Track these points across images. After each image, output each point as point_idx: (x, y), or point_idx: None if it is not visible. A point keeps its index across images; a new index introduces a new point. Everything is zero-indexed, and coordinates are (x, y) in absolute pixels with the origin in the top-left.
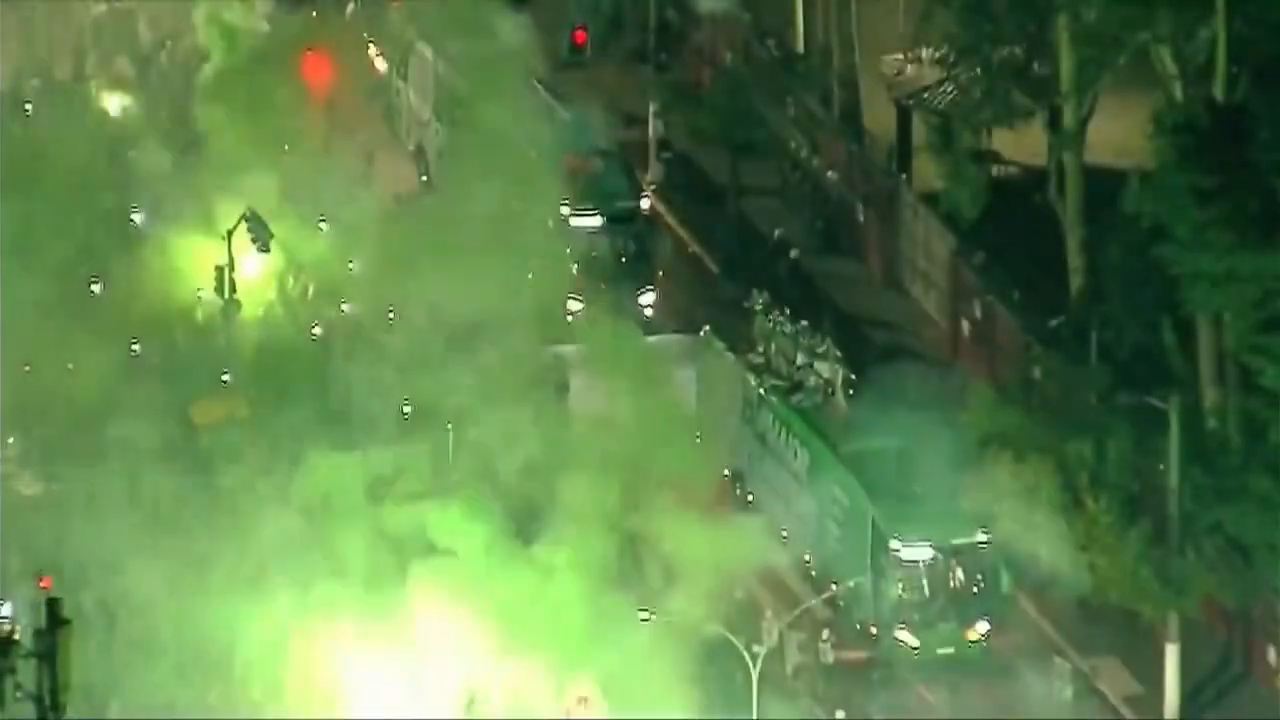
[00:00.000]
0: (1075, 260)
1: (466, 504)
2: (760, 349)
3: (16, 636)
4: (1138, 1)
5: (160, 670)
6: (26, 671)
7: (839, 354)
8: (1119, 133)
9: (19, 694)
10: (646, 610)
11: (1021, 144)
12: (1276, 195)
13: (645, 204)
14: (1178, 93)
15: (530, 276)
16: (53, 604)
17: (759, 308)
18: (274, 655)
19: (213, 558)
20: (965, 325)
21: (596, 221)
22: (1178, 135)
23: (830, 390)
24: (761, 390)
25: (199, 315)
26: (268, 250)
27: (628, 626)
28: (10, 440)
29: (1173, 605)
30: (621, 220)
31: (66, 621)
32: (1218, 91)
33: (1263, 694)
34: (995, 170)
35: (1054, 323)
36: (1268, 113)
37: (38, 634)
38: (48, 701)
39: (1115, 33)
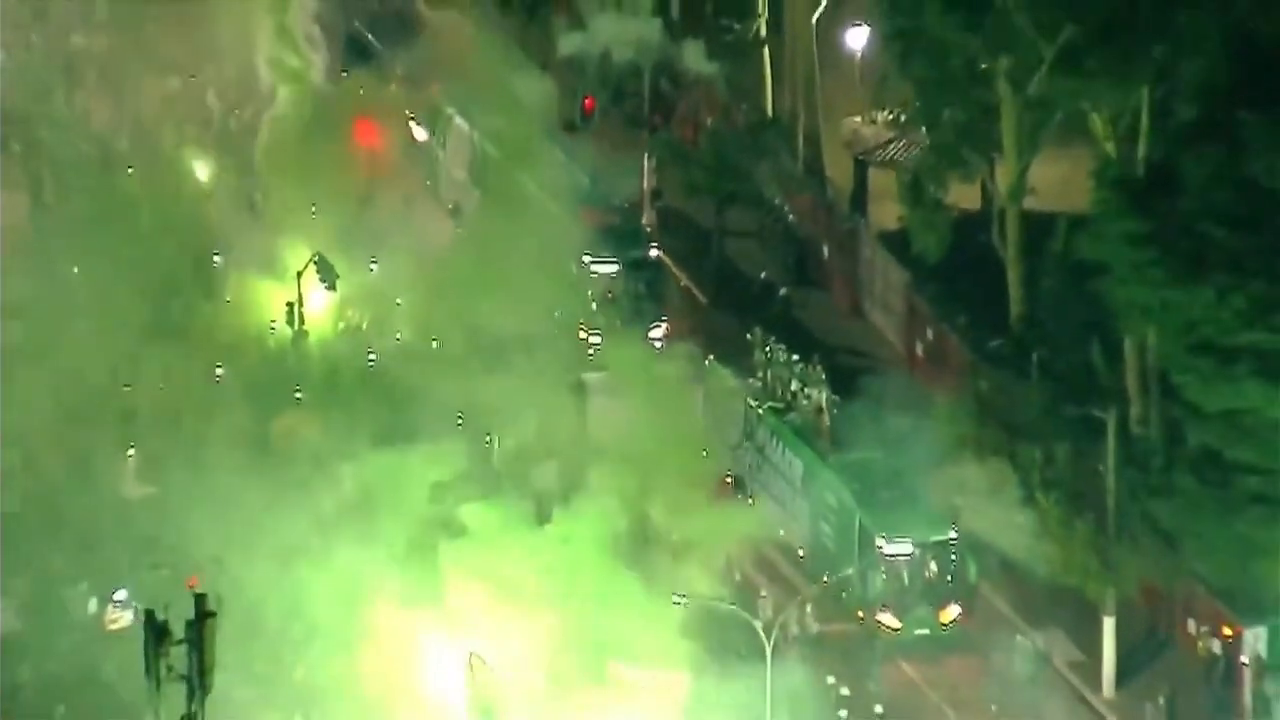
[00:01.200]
0: (1015, 291)
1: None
2: (759, 374)
3: (169, 627)
4: (1076, 76)
5: (260, 646)
6: (178, 656)
7: (824, 378)
8: (1049, 180)
9: (172, 674)
10: (680, 596)
11: (961, 190)
12: (1200, 239)
13: (654, 253)
14: (1110, 151)
15: (556, 314)
16: (200, 599)
17: (757, 340)
18: (351, 630)
19: (294, 549)
20: (919, 346)
21: (614, 268)
22: (1115, 188)
23: (819, 410)
24: (760, 410)
25: (271, 343)
26: (334, 289)
27: (637, 594)
28: (131, 449)
29: (1111, 585)
30: (635, 267)
31: (212, 614)
32: (1141, 152)
33: (1183, 657)
34: None
35: (995, 344)
36: (1192, 168)
37: (188, 624)
38: (196, 681)
39: (1054, 101)
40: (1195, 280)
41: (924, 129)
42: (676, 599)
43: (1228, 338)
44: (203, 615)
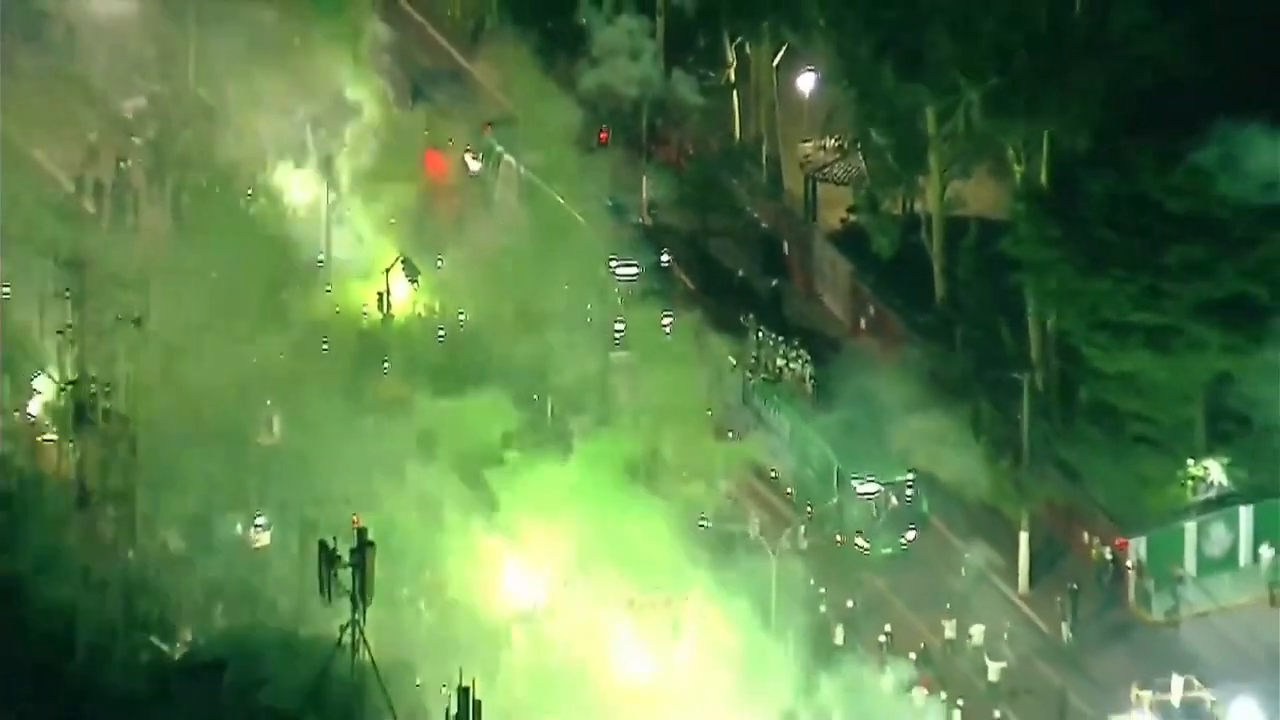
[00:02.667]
0: (938, 278)
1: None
2: (754, 354)
3: (338, 553)
4: (999, 116)
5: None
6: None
7: (807, 357)
8: (965, 192)
9: (340, 590)
10: (704, 519)
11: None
12: (1099, 242)
13: (665, 259)
14: (1019, 172)
15: (589, 306)
16: (362, 532)
17: (751, 326)
18: (433, 540)
19: (390, 479)
20: (862, 321)
21: (634, 270)
22: (1030, 202)
23: (801, 380)
24: (755, 382)
25: (365, 324)
26: (416, 282)
27: (646, 504)
28: (270, 403)
29: (1025, 507)
30: (653, 270)
31: (371, 544)
32: (1044, 174)
33: (1082, 562)
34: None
35: (923, 319)
36: (1092, 185)
37: (352, 551)
38: (359, 597)
39: (976, 135)
40: (1096, 274)
41: (860, 154)
42: (702, 522)
43: (1122, 317)
44: (364, 545)
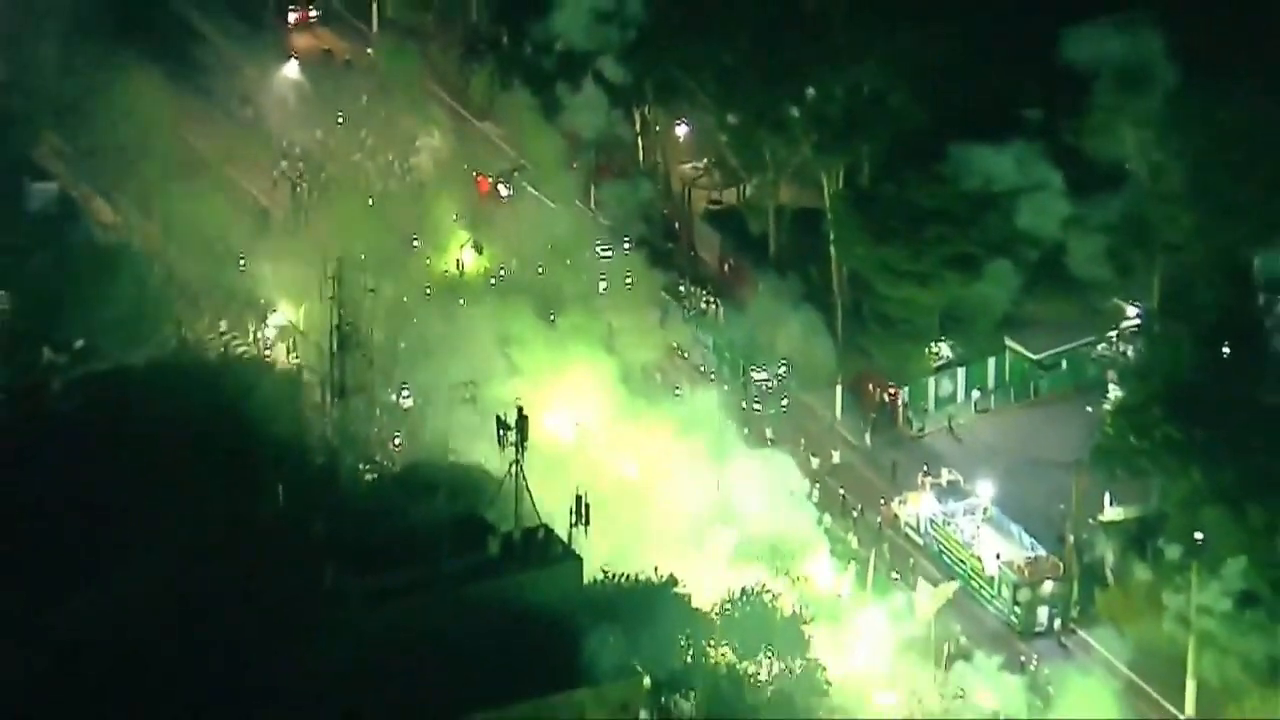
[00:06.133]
0: (773, 243)
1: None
2: (682, 301)
3: None
4: (823, 152)
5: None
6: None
7: (717, 303)
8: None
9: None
10: (678, 390)
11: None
12: (883, 223)
13: (627, 245)
14: (838, 181)
15: (598, 281)
16: (520, 408)
17: (684, 282)
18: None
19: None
20: (726, 268)
21: (610, 251)
22: (842, 200)
23: (714, 311)
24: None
25: (449, 278)
26: (481, 253)
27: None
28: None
29: (840, 372)
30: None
31: (525, 417)
32: (833, 186)
33: (870, 401)
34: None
35: (762, 266)
36: (877, 190)
37: (516, 421)
38: (519, 448)
39: (809, 163)
40: (881, 242)
41: (716, 172)
42: (676, 392)
43: (898, 267)
44: (521, 416)
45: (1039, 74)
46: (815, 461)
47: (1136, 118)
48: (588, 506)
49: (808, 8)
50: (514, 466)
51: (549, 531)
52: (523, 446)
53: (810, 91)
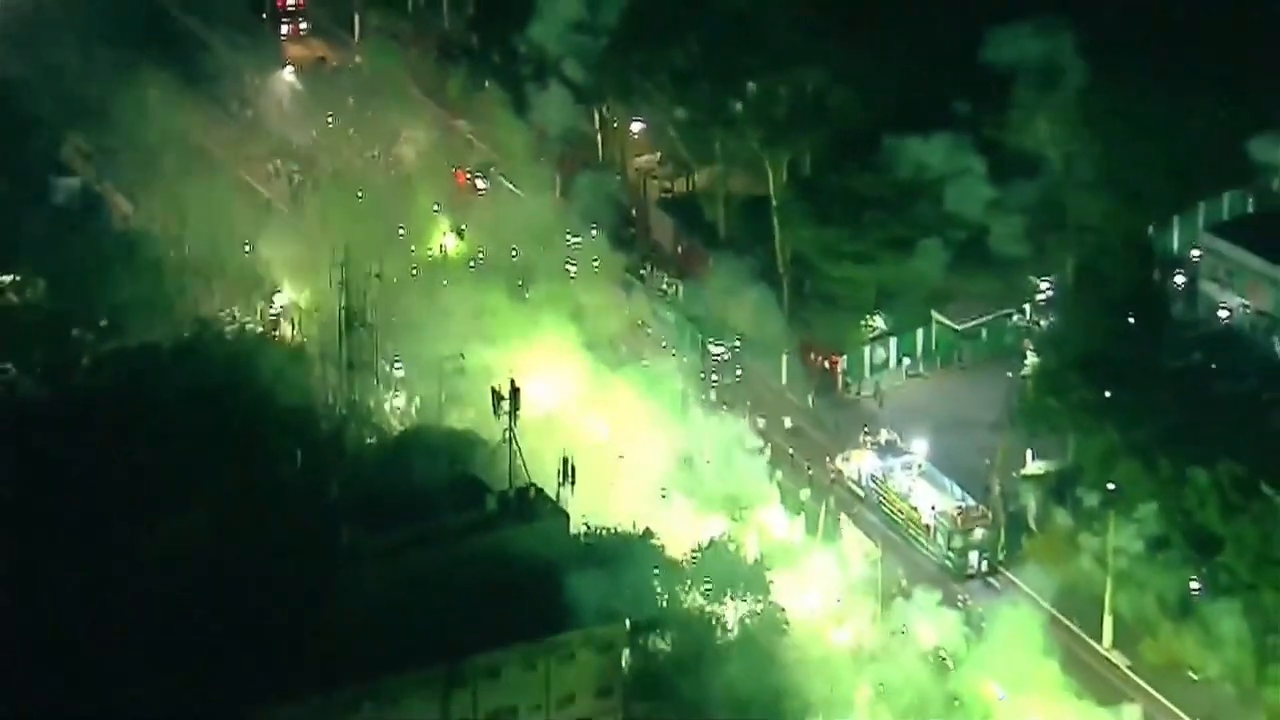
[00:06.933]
0: (721, 225)
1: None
2: (644, 281)
3: None
4: (762, 144)
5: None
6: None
7: (678, 283)
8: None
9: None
10: (645, 362)
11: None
12: (825, 208)
13: (594, 231)
14: (782, 174)
15: (566, 263)
16: (513, 382)
17: (648, 268)
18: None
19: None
20: (680, 250)
21: (579, 238)
22: (788, 189)
23: (675, 291)
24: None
25: (433, 260)
26: (462, 238)
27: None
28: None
29: (785, 345)
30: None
31: (518, 389)
32: (778, 176)
33: (812, 368)
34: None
35: (713, 247)
36: (821, 179)
37: (509, 393)
38: (511, 416)
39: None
40: (824, 226)
41: (669, 164)
42: (644, 363)
43: (839, 247)
44: (515, 389)
45: (965, 73)
46: (764, 423)
47: (1052, 112)
48: (574, 468)
49: (753, 16)
50: (507, 433)
51: (539, 490)
52: (515, 415)
53: (756, 91)
